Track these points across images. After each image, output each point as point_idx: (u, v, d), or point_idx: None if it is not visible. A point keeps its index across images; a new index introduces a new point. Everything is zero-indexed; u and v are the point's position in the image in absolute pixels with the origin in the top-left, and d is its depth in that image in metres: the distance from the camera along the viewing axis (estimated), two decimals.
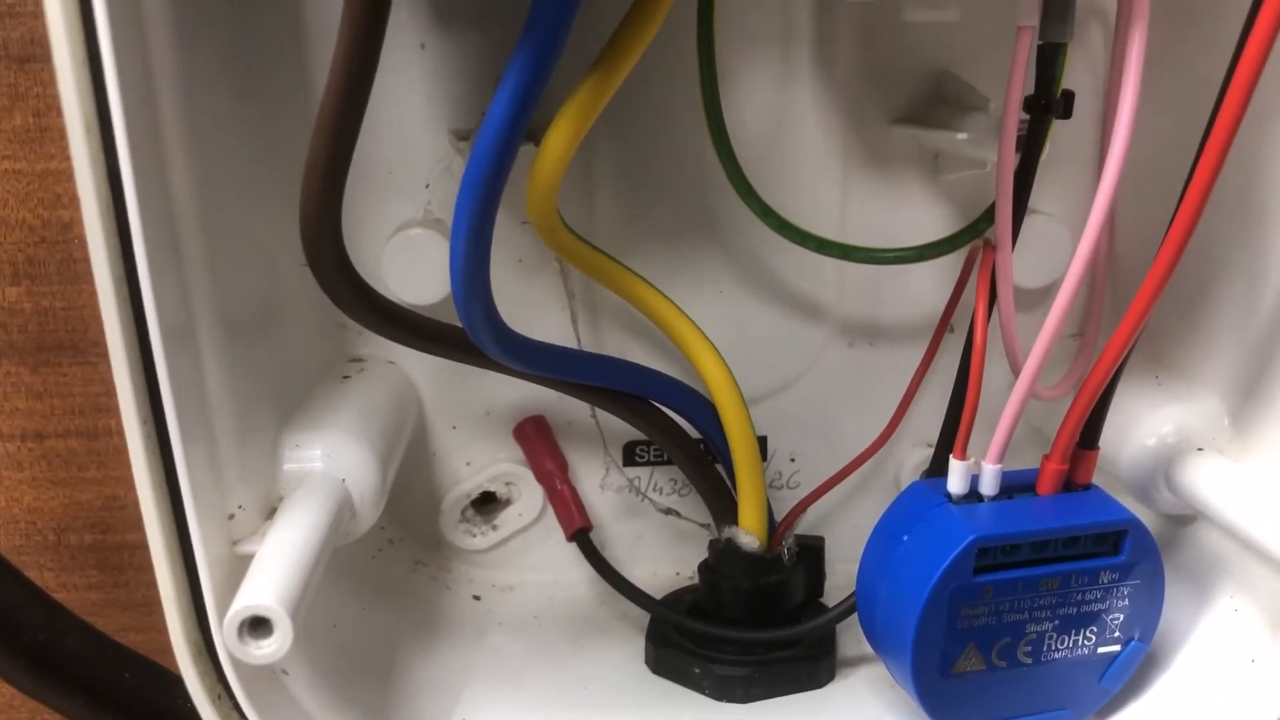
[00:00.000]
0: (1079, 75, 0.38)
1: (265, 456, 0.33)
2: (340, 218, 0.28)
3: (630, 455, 0.43)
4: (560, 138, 0.31)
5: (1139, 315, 0.30)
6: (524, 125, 0.27)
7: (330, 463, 0.34)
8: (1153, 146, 0.36)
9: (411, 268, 0.38)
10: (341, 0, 0.25)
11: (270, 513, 0.32)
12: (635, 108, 0.38)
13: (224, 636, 0.27)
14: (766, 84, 0.39)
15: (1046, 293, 0.41)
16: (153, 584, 0.29)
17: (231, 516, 0.30)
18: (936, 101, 0.39)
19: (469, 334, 0.31)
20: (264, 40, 0.35)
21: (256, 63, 0.34)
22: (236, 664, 0.29)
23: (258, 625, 0.27)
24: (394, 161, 0.39)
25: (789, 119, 0.39)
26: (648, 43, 0.31)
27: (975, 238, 0.36)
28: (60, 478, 0.44)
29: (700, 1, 0.33)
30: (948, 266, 0.39)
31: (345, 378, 0.39)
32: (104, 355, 0.27)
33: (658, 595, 0.41)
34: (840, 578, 0.40)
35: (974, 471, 0.33)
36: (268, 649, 0.27)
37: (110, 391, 0.27)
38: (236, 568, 0.29)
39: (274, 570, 0.28)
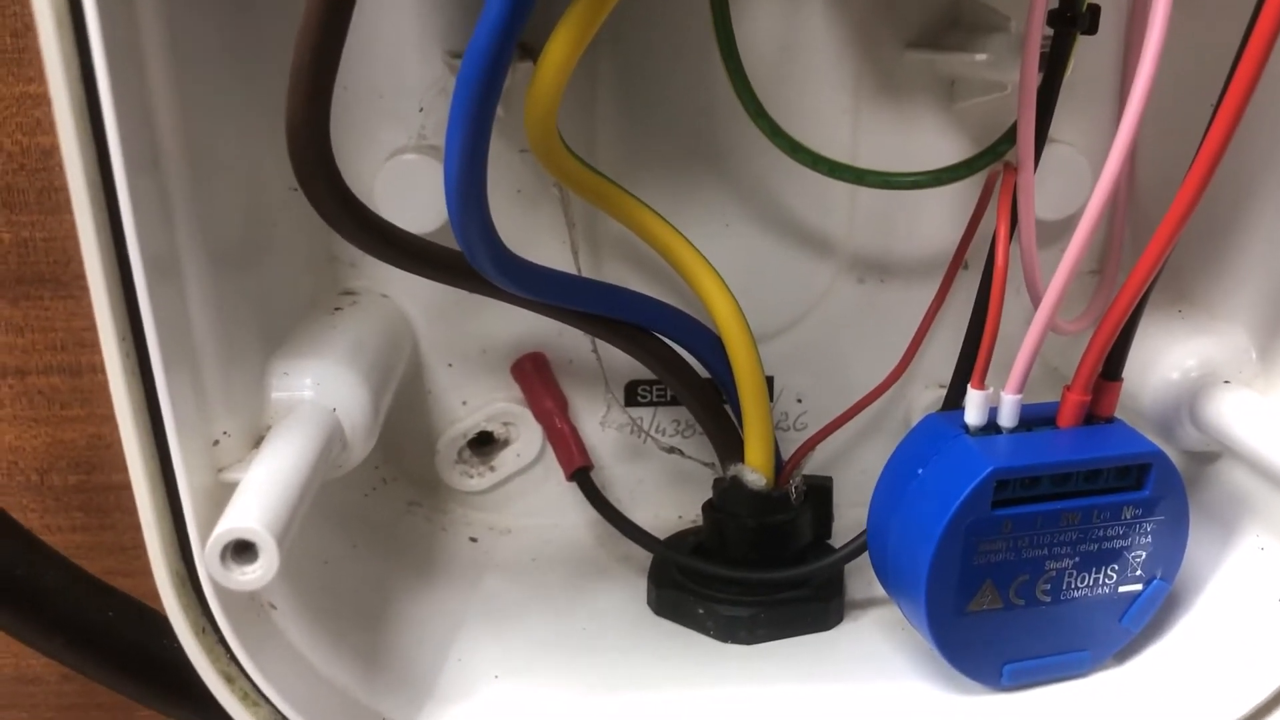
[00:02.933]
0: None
1: (252, 384, 0.32)
2: (328, 126, 0.27)
3: (633, 395, 0.42)
4: (560, 49, 0.29)
5: (1163, 244, 0.29)
6: (519, 25, 0.25)
7: (320, 391, 0.32)
8: (1178, 74, 0.34)
9: (406, 194, 0.37)
10: None
11: (258, 441, 0.30)
12: (641, 30, 0.37)
13: (207, 562, 0.25)
14: (776, 7, 0.37)
15: (1065, 226, 0.39)
16: (140, 527, 0.27)
17: (216, 443, 0.29)
18: (951, 25, 0.38)
19: (466, 256, 0.29)
20: None
21: None
22: (221, 595, 0.27)
23: (242, 550, 0.25)
24: (386, 84, 0.37)
25: (799, 45, 0.38)
26: None
27: (995, 160, 0.35)
28: (43, 416, 0.42)
29: None
30: (961, 201, 0.38)
31: (336, 309, 0.37)
32: (87, 289, 0.26)
33: (666, 538, 0.39)
34: (848, 521, 0.39)
35: (992, 403, 0.32)
36: (253, 574, 0.25)
37: (94, 327, 0.26)
38: (221, 496, 0.28)
39: (259, 495, 0.26)
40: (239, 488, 0.27)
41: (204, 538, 0.27)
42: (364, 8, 0.35)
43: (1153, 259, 0.29)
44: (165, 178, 0.27)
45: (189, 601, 0.28)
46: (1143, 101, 0.29)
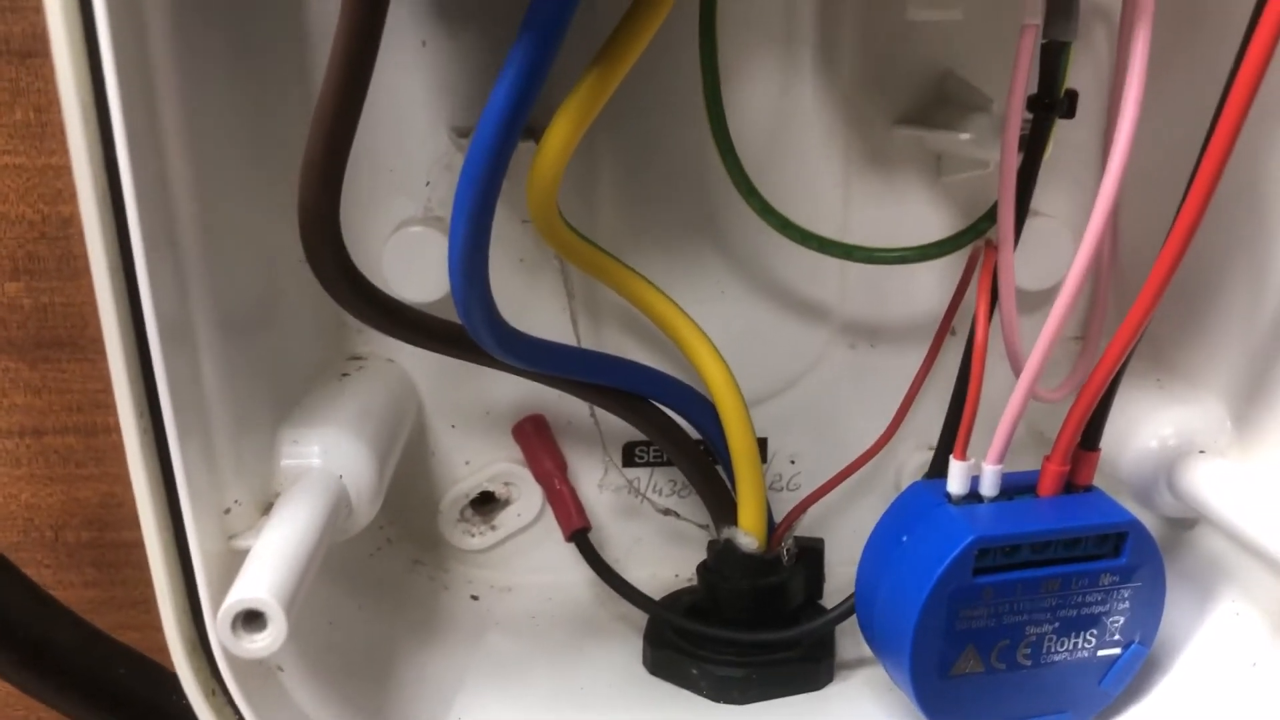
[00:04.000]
0: (1083, 76, 0.38)
1: (262, 452, 0.33)
2: (338, 211, 0.28)
3: (630, 456, 0.43)
4: (560, 134, 0.31)
5: (1140, 317, 0.30)
6: (523, 116, 0.27)
7: (327, 459, 0.33)
8: (1157, 148, 0.35)
9: (412, 265, 0.38)
10: None
11: (267, 508, 0.32)
12: (638, 107, 0.38)
13: (218, 630, 0.27)
14: (769, 85, 0.39)
15: (1049, 295, 0.41)
16: (150, 582, 0.28)
17: (227, 511, 0.30)
18: (939, 102, 0.39)
19: (467, 329, 0.30)
20: (264, 34, 0.35)
21: (256, 57, 0.34)
22: (231, 659, 0.28)
23: (252, 619, 0.27)
24: (394, 159, 0.39)
25: (792, 120, 0.39)
26: (649, 39, 0.30)
27: (977, 238, 0.36)
28: (58, 474, 0.43)
29: (703, 4, 0.33)
30: (950, 269, 0.39)
31: (344, 375, 0.39)
32: (103, 352, 0.27)
33: (656, 597, 0.40)
34: (840, 580, 0.40)
35: (974, 473, 0.33)
36: (262, 643, 0.26)
37: (109, 388, 0.27)
38: (232, 563, 0.29)
39: (269, 564, 0.27)
40: (249, 557, 0.28)
41: (215, 603, 0.28)
42: (374, 86, 0.37)
43: (1128, 335, 0.31)
44: (181, 250, 0.29)
45: (200, 664, 0.29)
46: (1118, 181, 0.30)
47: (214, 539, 0.29)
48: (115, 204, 0.26)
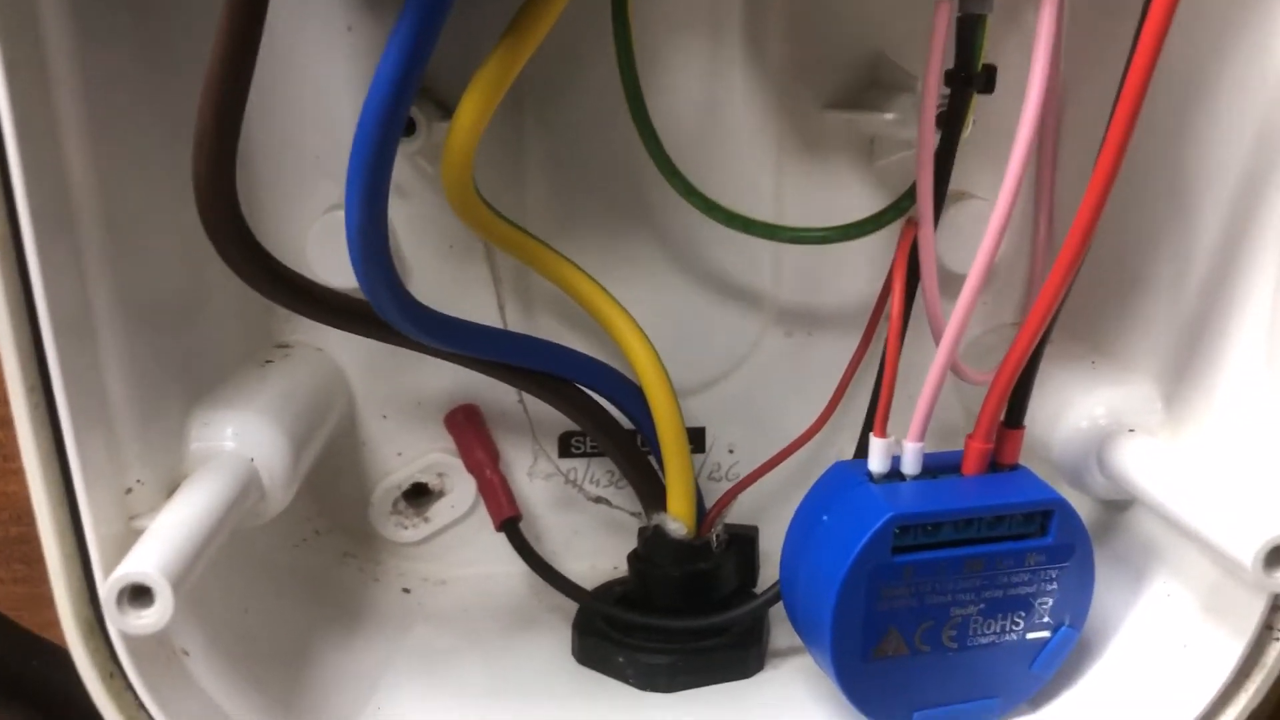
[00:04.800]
0: (1011, 54, 0.38)
1: (170, 434, 0.32)
2: (234, 182, 0.27)
3: (566, 446, 0.42)
4: (471, 108, 0.30)
5: (1055, 288, 0.30)
6: (409, 92, 0.26)
7: (239, 442, 0.33)
8: (1091, 131, 0.35)
9: (338, 250, 0.37)
10: None
11: (173, 490, 0.31)
12: (563, 91, 0.38)
13: (104, 605, 0.26)
14: (697, 71, 0.38)
15: None
16: None
17: (129, 491, 0.30)
18: (869, 85, 0.39)
19: (372, 304, 0.30)
20: (178, 35, 0.34)
21: (162, 29, 0.33)
22: (128, 641, 0.28)
23: (139, 594, 0.26)
24: (320, 146, 0.38)
25: (721, 106, 0.39)
26: (557, 12, 0.30)
27: (900, 216, 0.36)
28: None
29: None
30: (884, 254, 0.39)
31: (268, 362, 0.38)
32: None
33: (594, 589, 0.40)
34: (777, 570, 0.40)
35: (896, 451, 0.33)
36: (148, 619, 0.26)
37: None
38: (132, 543, 0.28)
39: (160, 541, 0.27)
40: (143, 534, 0.28)
41: None
42: (298, 71, 0.37)
43: (1044, 305, 0.30)
44: (79, 238, 0.28)
45: (96, 646, 0.28)
46: (1025, 151, 0.30)
47: (113, 521, 0.29)
48: (5, 191, 0.26)
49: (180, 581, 0.26)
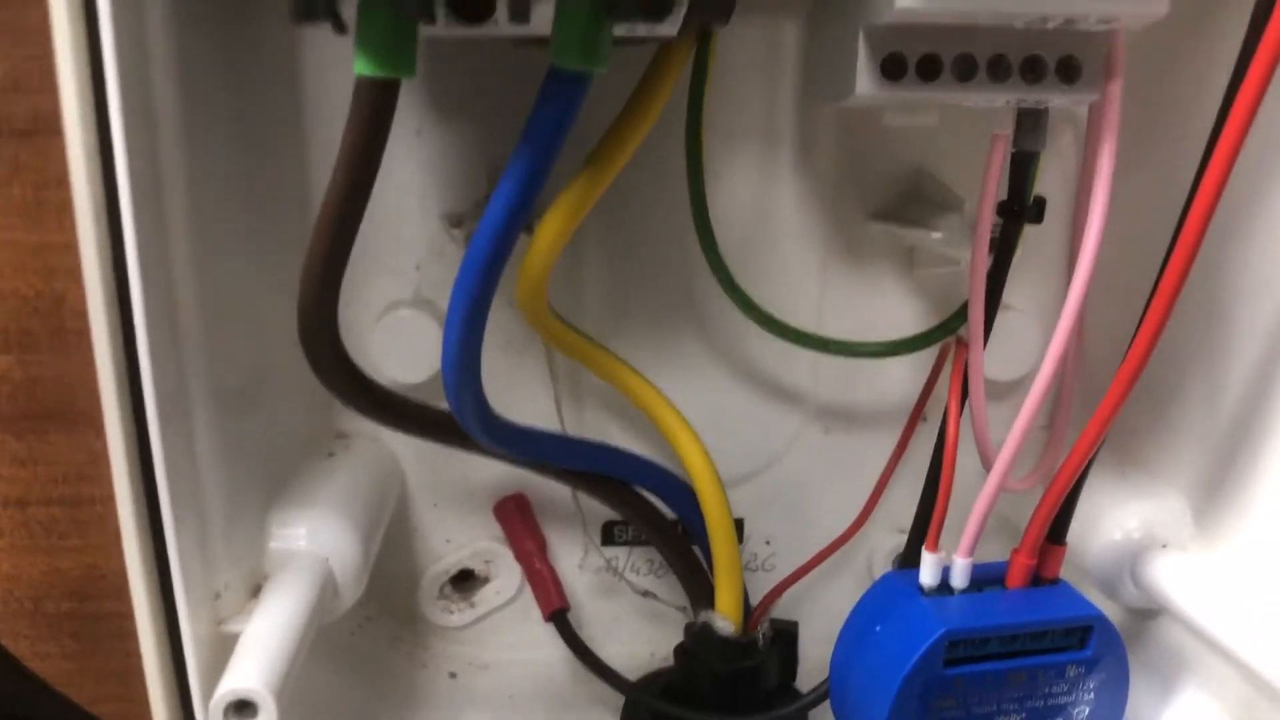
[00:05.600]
0: (1050, 175, 0.40)
1: (252, 534, 0.34)
2: (337, 310, 0.29)
3: (609, 534, 0.43)
4: (551, 230, 0.32)
5: (1106, 417, 0.31)
6: (519, 226, 0.28)
7: (314, 541, 0.34)
8: (1123, 246, 0.37)
9: (400, 347, 0.39)
10: (348, 102, 0.26)
11: (255, 590, 0.32)
12: (625, 199, 0.40)
13: (209, 718, 0.27)
14: (750, 180, 0.40)
15: (1018, 385, 0.42)
16: (129, 654, 0.29)
17: (218, 596, 0.31)
18: (913, 199, 0.41)
19: (458, 420, 0.31)
20: (265, 125, 0.36)
21: (256, 145, 0.35)
22: None
23: (243, 707, 0.27)
24: (386, 243, 0.40)
25: (771, 213, 0.41)
26: (640, 140, 0.32)
27: (949, 335, 0.37)
28: (40, 545, 0.44)
29: (690, 101, 0.35)
30: (922, 356, 0.41)
31: (331, 454, 0.39)
32: (89, 424, 0.28)
33: (633, 676, 0.41)
34: (813, 662, 0.41)
35: (945, 564, 0.34)
36: None
37: (94, 460, 0.27)
38: (221, 647, 0.30)
39: (260, 652, 0.28)
40: (240, 644, 0.29)
41: (205, 689, 0.28)
42: None
43: (1094, 434, 0.32)
44: (179, 326, 0.30)
45: None
46: (1084, 287, 0.32)
47: (205, 623, 0.30)
48: (119, 280, 0.27)
49: (281, 692, 0.27)
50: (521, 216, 0.28)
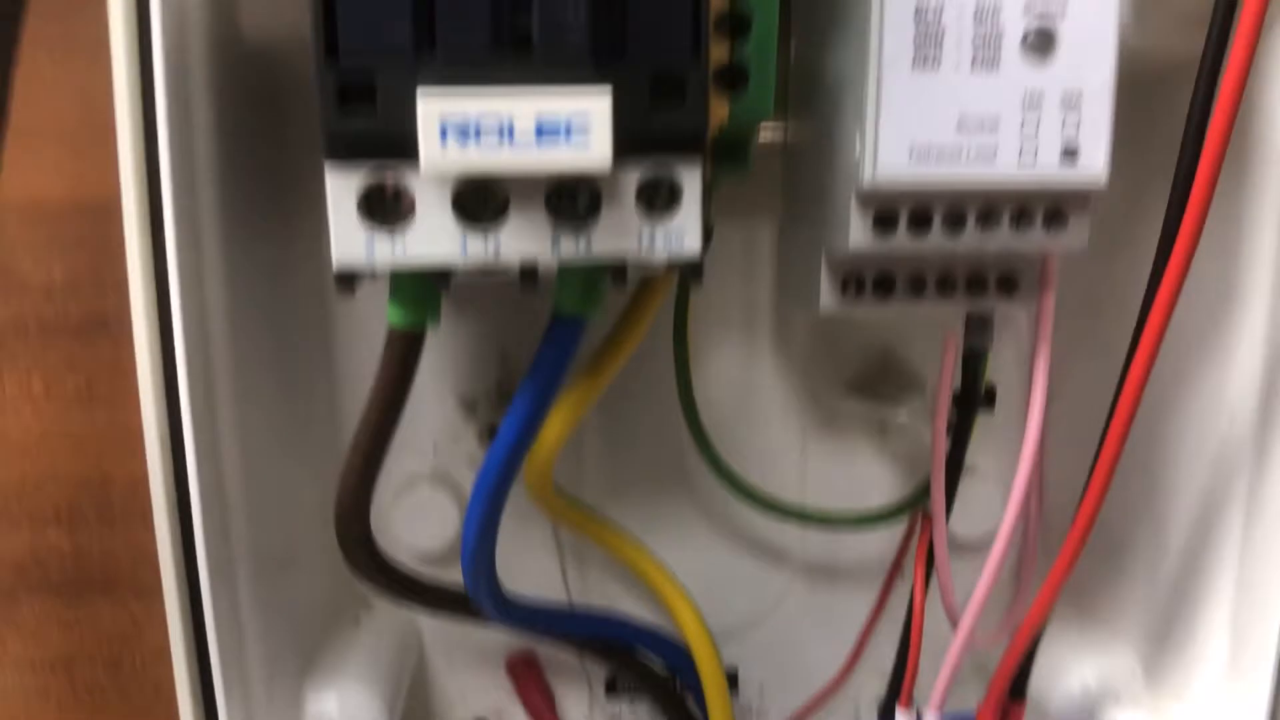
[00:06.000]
0: (1006, 350, 0.44)
1: (290, 701, 0.37)
2: (369, 520, 0.33)
3: (613, 687, 0.47)
4: (556, 427, 0.36)
5: (1056, 584, 0.35)
6: (528, 445, 0.32)
7: (345, 711, 0.38)
8: (1076, 405, 0.41)
9: (420, 520, 0.43)
10: (373, 313, 0.30)
11: None
12: (621, 385, 0.42)
13: None
14: (733, 363, 0.44)
15: (984, 540, 0.46)
16: None
17: None
18: (882, 375, 0.45)
19: (473, 602, 0.35)
20: (299, 345, 0.40)
21: (292, 360, 0.39)
22: None
23: None
24: (405, 423, 0.42)
25: (753, 392, 0.45)
26: (632, 350, 0.36)
27: (914, 507, 0.41)
28: (85, 707, 0.47)
29: (676, 316, 0.39)
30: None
31: (356, 622, 0.43)
32: (134, 592, 0.31)
33: None
34: None
35: (919, 716, 0.37)
36: None
37: (137, 623, 0.31)
38: None
39: None
40: None
41: None
42: None
43: (1046, 599, 0.36)
44: (226, 499, 0.34)
45: None
46: (1030, 467, 0.36)
47: None
48: (177, 467, 0.32)
49: None
50: (530, 438, 0.32)
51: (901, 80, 0.30)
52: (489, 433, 0.43)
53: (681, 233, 0.27)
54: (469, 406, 0.43)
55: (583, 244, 0.27)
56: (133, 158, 0.30)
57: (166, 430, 0.32)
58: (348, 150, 0.26)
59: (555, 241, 0.27)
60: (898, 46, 0.30)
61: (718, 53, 0.30)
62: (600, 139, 0.25)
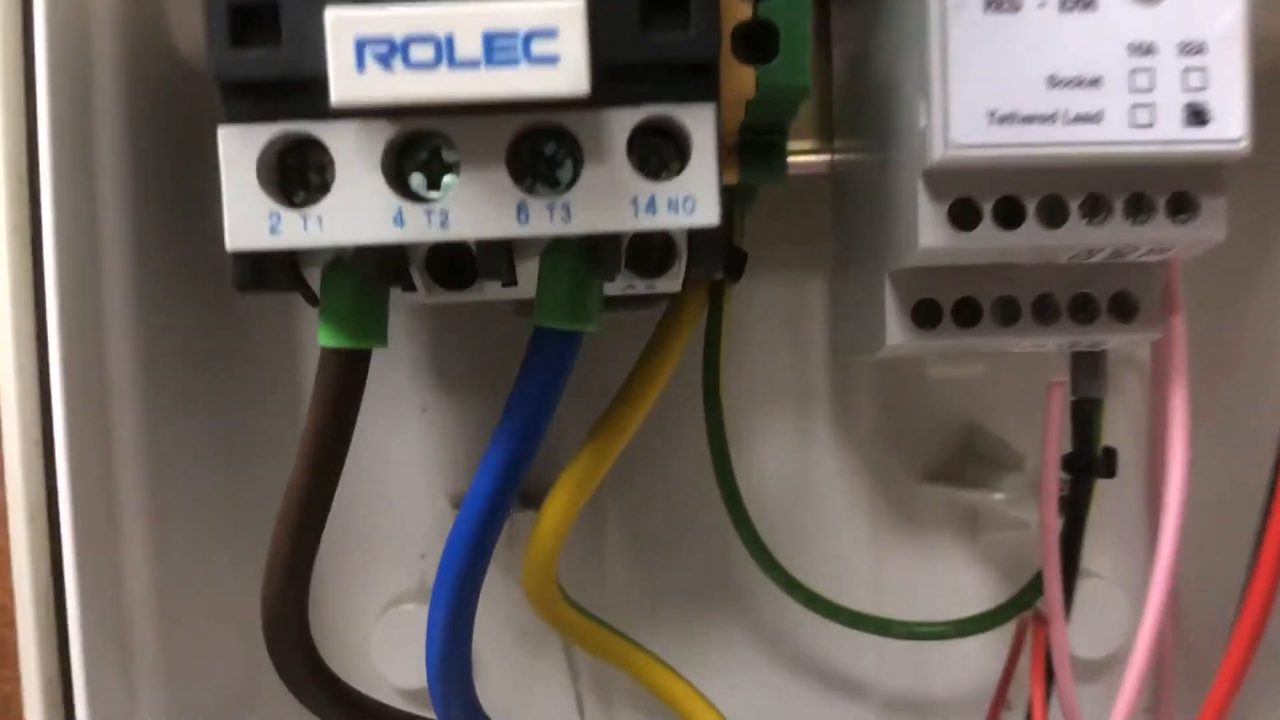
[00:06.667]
0: (1119, 424, 0.36)
1: None
2: (306, 611, 0.25)
3: None
4: (558, 508, 0.29)
5: (1230, 685, 0.27)
6: (507, 504, 0.25)
7: None
8: (1213, 486, 0.32)
9: (403, 645, 0.36)
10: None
11: None
12: (647, 465, 0.37)
13: None
14: (784, 444, 0.37)
15: (1107, 662, 0.37)
16: None
17: None
18: (968, 458, 0.37)
19: None
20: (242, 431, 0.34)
21: (229, 414, 0.33)
22: None
23: None
24: (391, 528, 0.37)
25: (810, 479, 0.37)
26: (651, 403, 0.29)
27: (1024, 610, 0.33)
28: None
29: (706, 363, 0.32)
30: (998, 633, 0.36)
31: None
32: None
33: None
34: None
35: None
36: None
37: None
38: None
39: None
40: None
41: None
42: (371, 452, 0.36)
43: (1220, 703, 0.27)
44: (132, 642, 0.27)
45: None
46: (1172, 553, 0.28)
47: None
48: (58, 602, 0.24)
49: None
50: (509, 493, 0.25)
51: (972, 25, 0.24)
52: None
53: (692, 196, 0.21)
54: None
55: (559, 213, 0.20)
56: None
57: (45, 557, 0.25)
58: (245, 100, 0.20)
59: (522, 209, 0.20)
60: None
61: (736, 7, 0.23)
62: (572, 54, 0.19)
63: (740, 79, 0.23)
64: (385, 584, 0.37)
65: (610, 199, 0.20)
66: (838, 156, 0.33)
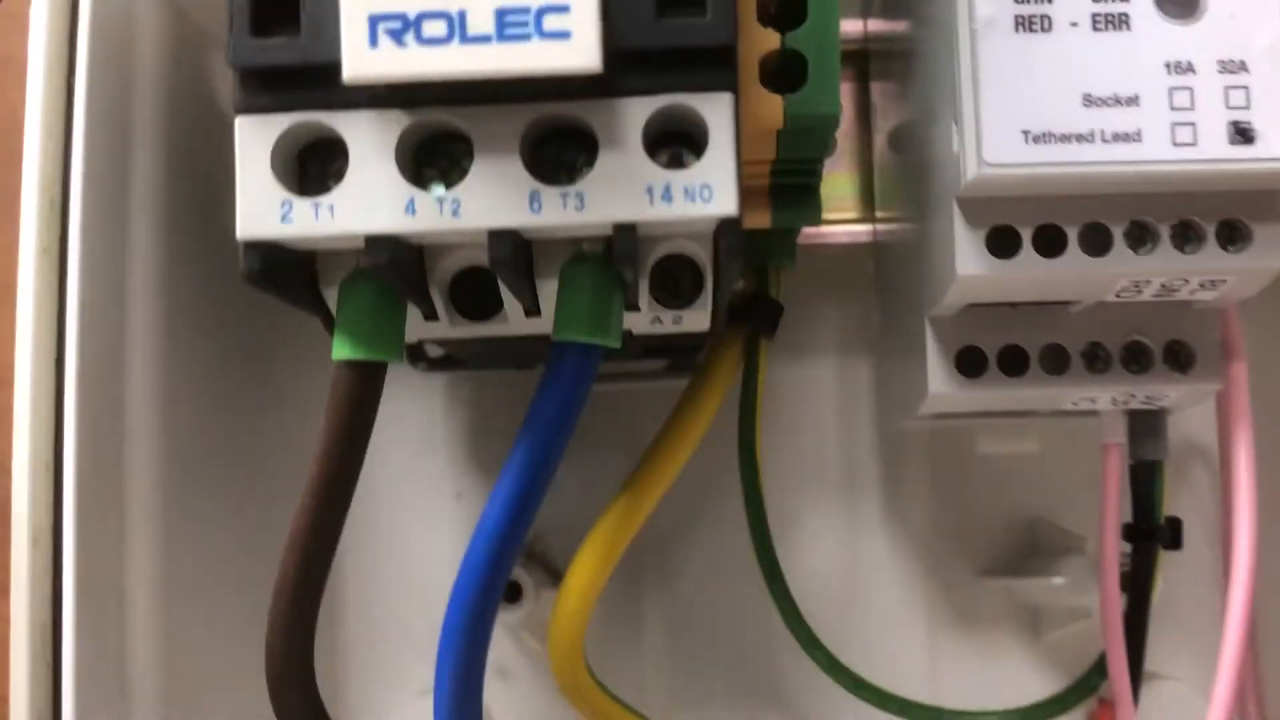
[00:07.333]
0: (1183, 509, 0.34)
1: None
2: (312, 648, 0.24)
3: None
4: (584, 571, 0.27)
5: None
6: (519, 539, 0.23)
7: None
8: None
9: None
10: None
11: None
12: (686, 548, 0.35)
13: None
14: (833, 534, 0.36)
15: None
16: None
17: None
18: (1030, 552, 0.35)
19: None
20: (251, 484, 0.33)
21: (245, 482, 0.32)
22: None
23: None
24: (423, 620, 0.35)
25: (862, 570, 0.36)
26: (679, 467, 0.28)
27: (1088, 696, 0.30)
28: None
29: (741, 422, 0.31)
30: None
31: None
32: None
33: None
34: None
35: None
36: None
37: None
38: None
39: None
40: None
41: None
42: (405, 539, 0.35)
43: None
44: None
45: None
46: (1241, 638, 0.25)
47: None
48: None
49: None
50: (523, 524, 0.23)
51: (1003, 45, 0.23)
52: None
53: (709, 185, 0.20)
54: None
55: (573, 202, 0.20)
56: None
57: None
58: (261, 90, 0.20)
59: (535, 198, 0.20)
60: (993, 4, 0.23)
61: (764, 38, 0.23)
62: (585, 29, 0.18)
63: (769, 109, 0.23)
64: (415, 675, 0.35)
65: (625, 188, 0.20)
66: (880, 227, 0.33)
